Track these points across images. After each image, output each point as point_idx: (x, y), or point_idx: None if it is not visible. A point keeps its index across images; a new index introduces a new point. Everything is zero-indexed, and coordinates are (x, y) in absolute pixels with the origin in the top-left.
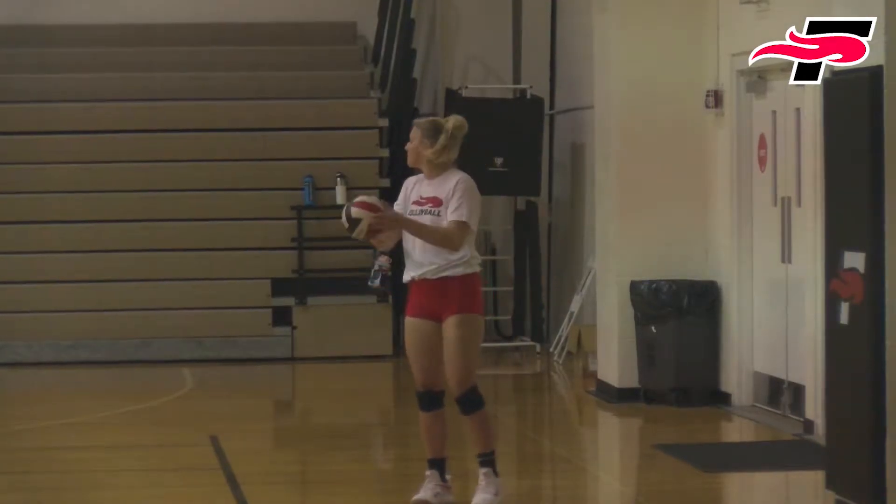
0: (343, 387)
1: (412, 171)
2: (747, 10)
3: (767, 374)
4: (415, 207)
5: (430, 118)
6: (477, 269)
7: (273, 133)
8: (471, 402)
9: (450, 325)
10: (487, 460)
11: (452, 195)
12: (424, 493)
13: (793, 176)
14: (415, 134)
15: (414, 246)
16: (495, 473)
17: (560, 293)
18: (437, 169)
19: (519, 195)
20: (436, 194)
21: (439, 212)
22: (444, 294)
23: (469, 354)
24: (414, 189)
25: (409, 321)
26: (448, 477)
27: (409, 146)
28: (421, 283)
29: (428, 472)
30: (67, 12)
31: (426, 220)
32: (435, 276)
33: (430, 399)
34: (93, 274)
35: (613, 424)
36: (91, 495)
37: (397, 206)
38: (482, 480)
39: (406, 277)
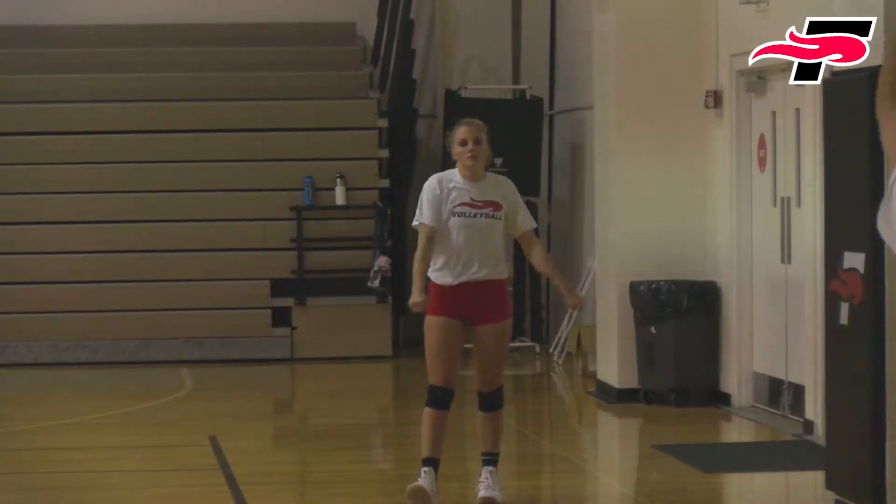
0: (343, 387)
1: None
2: (747, 10)
3: (767, 374)
4: (466, 209)
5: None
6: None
7: (272, 133)
8: (499, 398)
9: (496, 330)
10: (495, 459)
11: (517, 202)
12: (423, 481)
13: (792, 176)
14: (484, 137)
15: (467, 248)
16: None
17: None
18: (483, 172)
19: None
20: (492, 198)
21: (499, 215)
22: (486, 297)
23: (506, 357)
24: (454, 191)
25: (439, 320)
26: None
27: (480, 148)
28: (462, 285)
29: (426, 469)
30: (67, 12)
31: (483, 223)
32: (482, 279)
33: (447, 396)
34: (93, 274)
35: (613, 425)
36: (91, 495)
37: (429, 206)
38: (488, 478)
39: (444, 279)
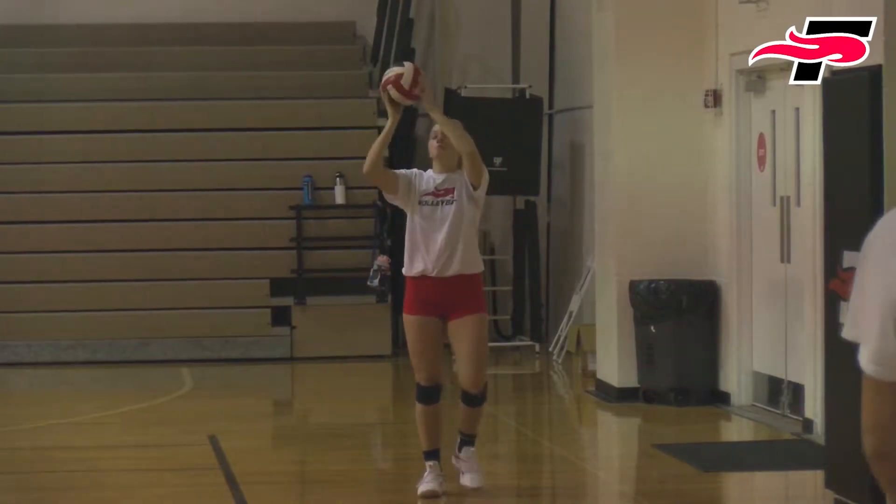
0: (342, 387)
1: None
2: (747, 10)
3: (767, 373)
4: (429, 198)
5: None
6: (482, 268)
7: (272, 133)
8: (483, 398)
9: (469, 324)
10: (473, 440)
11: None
12: (431, 483)
13: (792, 175)
14: None
15: (429, 238)
16: None
17: (559, 293)
18: (455, 167)
19: (518, 195)
20: (452, 186)
21: (455, 196)
22: (456, 291)
23: (485, 352)
24: (425, 180)
25: (416, 319)
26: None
27: (448, 140)
28: (431, 279)
29: (431, 463)
30: (67, 12)
31: (446, 211)
32: (450, 274)
33: (435, 392)
34: (92, 274)
35: (613, 424)
36: (91, 495)
37: (402, 173)
38: (471, 459)
39: (413, 271)
